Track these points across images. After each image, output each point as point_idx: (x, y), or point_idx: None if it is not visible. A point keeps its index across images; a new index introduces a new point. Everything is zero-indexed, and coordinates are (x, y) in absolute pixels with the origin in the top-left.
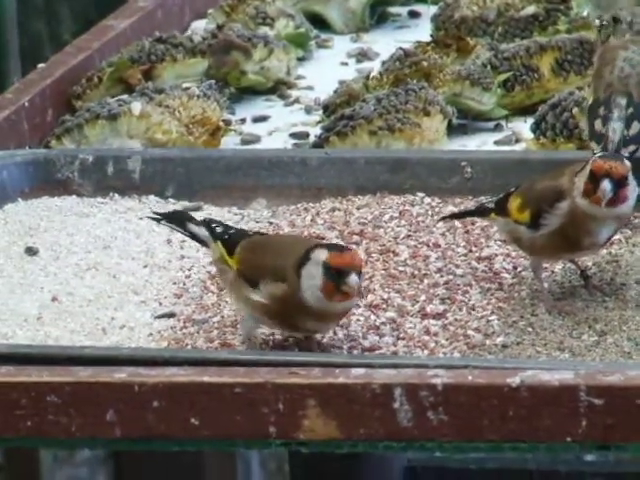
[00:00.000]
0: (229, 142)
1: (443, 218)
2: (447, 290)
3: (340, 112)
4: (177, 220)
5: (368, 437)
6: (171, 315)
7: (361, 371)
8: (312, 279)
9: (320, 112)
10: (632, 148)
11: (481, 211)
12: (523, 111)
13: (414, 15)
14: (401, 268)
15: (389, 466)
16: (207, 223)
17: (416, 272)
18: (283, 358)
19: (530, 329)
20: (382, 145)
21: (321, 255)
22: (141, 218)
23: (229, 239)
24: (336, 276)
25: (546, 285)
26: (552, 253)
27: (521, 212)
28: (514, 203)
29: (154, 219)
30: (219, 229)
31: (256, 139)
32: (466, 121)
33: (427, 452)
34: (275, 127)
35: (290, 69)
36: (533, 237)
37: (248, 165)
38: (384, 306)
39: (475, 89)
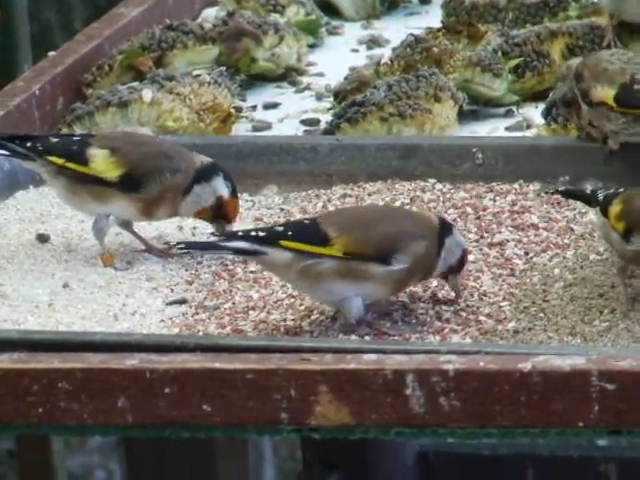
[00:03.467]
0: (240, 129)
1: (549, 192)
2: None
3: (351, 99)
4: (210, 246)
5: (380, 423)
6: (183, 301)
7: (373, 357)
8: None
9: (331, 99)
10: None
11: (589, 200)
12: (534, 97)
13: (425, 1)
14: None
15: (401, 452)
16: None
17: None
18: (295, 344)
19: (542, 315)
20: (393, 131)
21: None
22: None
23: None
24: None
25: (630, 290)
26: None
27: (618, 221)
28: (615, 209)
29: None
30: None
31: (267, 126)
32: (477, 107)
33: (439, 438)
34: (286, 114)
35: (301, 56)
36: (624, 248)
37: (259, 152)
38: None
39: (486, 75)
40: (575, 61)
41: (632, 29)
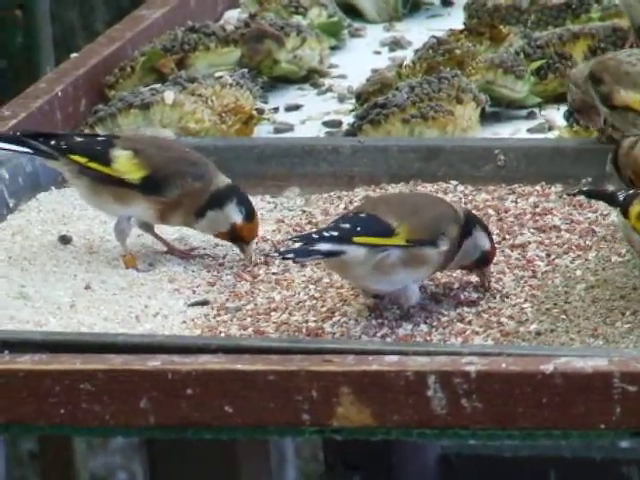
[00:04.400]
0: (262, 131)
1: (572, 193)
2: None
3: (373, 100)
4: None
5: (402, 424)
6: (204, 303)
7: (395, 358)
8: None
9: (353, 100)
10: None
11: (611, 199)
12: (556, 99)
13: (447, 3)
14: None
15: (423, 454)
16: None
17: None
18: (316, 346)
19: (564, 316)
20: (415, 133)
21: None
22: None
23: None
24: None
25: None
26: None
27: (638, 221)
28: (635, 209)
29: None
30: None
31: (289, 128)
32: (499, 109)
33: (461, 440)
34: (308, 116)
35: (323, 58)
36: None
37: (281, 154)
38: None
39: (508, 77)
40: (577, 69)
41: None
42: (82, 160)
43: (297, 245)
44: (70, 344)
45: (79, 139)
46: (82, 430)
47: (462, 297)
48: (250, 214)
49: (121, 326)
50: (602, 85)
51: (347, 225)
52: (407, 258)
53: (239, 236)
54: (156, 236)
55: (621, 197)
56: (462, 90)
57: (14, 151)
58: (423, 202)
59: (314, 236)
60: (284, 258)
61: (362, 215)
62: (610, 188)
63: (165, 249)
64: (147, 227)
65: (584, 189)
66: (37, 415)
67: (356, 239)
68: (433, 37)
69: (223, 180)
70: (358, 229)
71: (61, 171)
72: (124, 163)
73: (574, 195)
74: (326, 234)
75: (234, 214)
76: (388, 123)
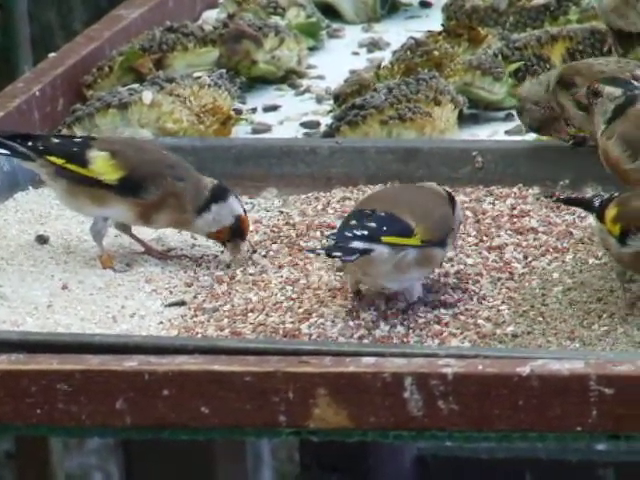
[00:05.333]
0: (240, 131)
1: (549, 198)
2: (458, 280)
3: (351, 101)
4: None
5: (378, 426)
6: (182, 303)
7: (371, 360)
8: None
9: (331, 101)
10: None
11: (587, 205)
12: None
13: (425, 5)
14: None
15: (399, 456)
16: None
17: None
18: (293, 347)
19: (540, 319)
20: (393, 134)
21: None
22: None
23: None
24: None
25: (628, 294)
26: (638, 270)
27: (614, 224)
28: (610, 212)
29: None
30: None
31: (267, 128)
32: (477, 111)
33: (437, 441)
34: (286, 116)
35: (301, 58)
36: (620, 252)
37: (259, 154)
38: (395, 295)
39: (486, 79)
40: (529, 90)
41: (631, 34)
42: (59, 161)
43: (332, 243)
44: (47, 344)
45: (56, 140)
46: (59, 430)
47: (439, 299)
48: (244, 209)
49: (98, 326)
50: (574, 88)
51: (373, 224)
52: (420, 258)
53: (240, 229)
54: (133, 237)
55: (597, 202)
56: (440, 92)
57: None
58: (429, 200)
59: (347, 234)
60: (331, 256)
61: (382, 214)
62: (589, 191)
63: (142, 250)
64: (124, 228)
65: (561, 197)
66: (14, 415)
67: (384, 239)
68: (411, 38)
69: (211, 179)
70: (384, 229)
71: (38, 172)
72: (101, 164)
73: (552, 200)
74: (357, 233)
75: (237, 206)
76: (366, 124)
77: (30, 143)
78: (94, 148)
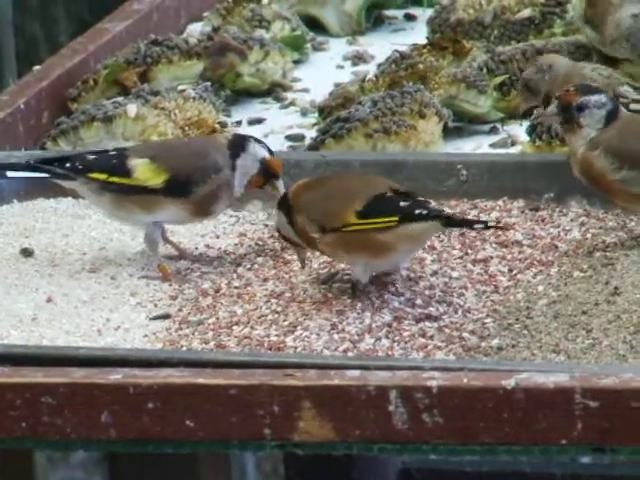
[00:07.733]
0: None
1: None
2: (443, 293)
3: (336, 114)
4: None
5: (363, 439)
6: (166, 316)
7: (356, 373)
8: None
9: (316, 114)
10: None
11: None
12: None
13: (410, 18)
14: None
15: (384, 469)
16: None
17: (412, 274)
18: (278, 360)
19: (525, 332)
20: (378, 148)
21: None
22: None
23: None
24: None
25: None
26: None
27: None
28: None
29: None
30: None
31: None
32: (462, 124)
33: (422, 454)
34: (271, 129)
35: (286, 72)
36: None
37: None
38: (380, 308)
39: (471, 92)
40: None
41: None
42: (102, 176)
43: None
44: (31, 357)
45: (92, 157)
46: (43, 443)
47: (424, 312)
48: (269, 148)
49: (83, 339)
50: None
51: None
52: None
53: (269, 171)
54: (168, 240)
55: None
56: (425, 105)
57: (32, 177)
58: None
59: (420, 199)
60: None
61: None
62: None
63: (177, 253)
64: (162, 231)
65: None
66: None
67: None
68: (396, 51)
69: (226, 135)
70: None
71: (79, 191)
72: (144, 171)
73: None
74: (420, 199)
75: (259, 150)
76: (351, 137)
77: (68, 164)
78: (132, 157)
